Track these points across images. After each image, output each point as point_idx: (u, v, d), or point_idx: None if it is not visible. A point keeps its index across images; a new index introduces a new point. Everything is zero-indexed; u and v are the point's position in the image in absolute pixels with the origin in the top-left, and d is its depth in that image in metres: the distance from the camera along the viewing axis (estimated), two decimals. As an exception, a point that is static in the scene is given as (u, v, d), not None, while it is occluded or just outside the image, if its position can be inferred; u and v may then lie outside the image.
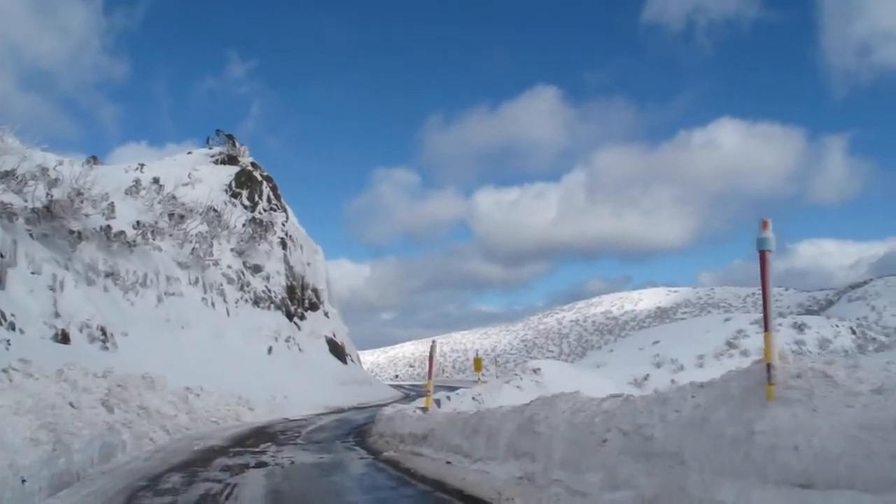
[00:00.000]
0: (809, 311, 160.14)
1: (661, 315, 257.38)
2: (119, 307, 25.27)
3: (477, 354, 35.54)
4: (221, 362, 26.55)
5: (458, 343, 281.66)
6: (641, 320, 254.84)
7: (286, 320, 33.77)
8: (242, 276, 33.31)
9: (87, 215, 26.72)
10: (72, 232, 24.63)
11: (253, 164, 42.94)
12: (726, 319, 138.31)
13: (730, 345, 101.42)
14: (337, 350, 36.86)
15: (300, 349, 33.28)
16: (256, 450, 13.40)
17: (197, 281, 30.57)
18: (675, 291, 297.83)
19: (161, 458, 11.88)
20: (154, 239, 29.29)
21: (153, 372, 18.24)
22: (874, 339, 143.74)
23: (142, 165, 39.68)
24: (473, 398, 27.97)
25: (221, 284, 31.87)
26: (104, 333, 22.49)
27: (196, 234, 32.26)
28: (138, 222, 28.99)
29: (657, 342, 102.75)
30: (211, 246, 32.69)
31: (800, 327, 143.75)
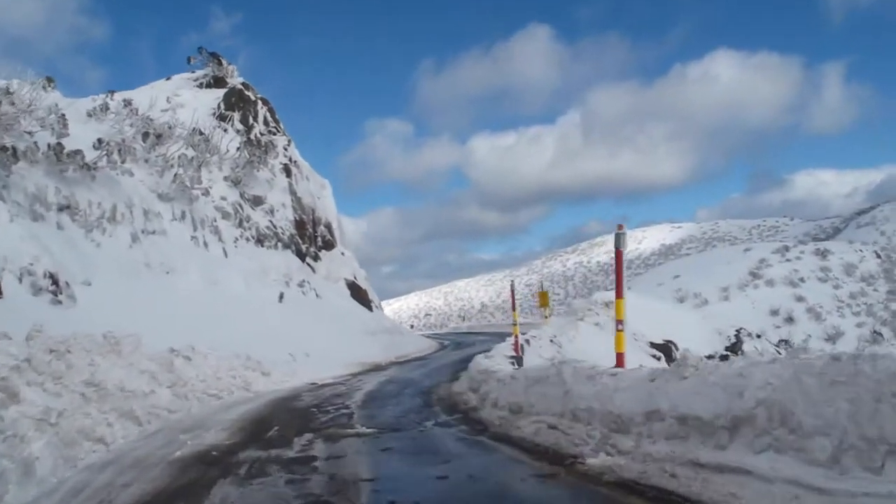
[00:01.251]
0: (817, 240, 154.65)
1: (667, 252, 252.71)
2: (79, 249, 18.87)
3: (542, 286, 29.30)
4: (220, 314, 20.30)
5: (463, 291, 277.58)
6: (646, 258, 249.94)
7: (298, 261, 27.42)
8: (240, 210, 26.83)
9: (29, 133, 20.19)
10: (4, 149, 18.11)
11: (244, 85, 35.99)
12: (746, 249, 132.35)
13: (753, 275, 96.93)
14: (360, 295, 30.66)
15: (318, 295, 27.03)
16: (291, 453, 7.26)
17: (183, 216, 24.10)
18: (679, 227, 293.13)
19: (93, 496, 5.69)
20: (124, 162, 22.71)
21: (121, 330, 11.97)
22: None
23: (111, 92, 32.80)
24: (551, 341, 22.35)
25: (215, 220, 25.43)
26: (55, 283, 16.16)
27: (179, 158, 25.71)
28: (100, 140, 22.36)
29: (678, 276, 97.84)
30: (199, 173, 26.15)
31: (823, 254, 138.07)
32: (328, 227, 32.25)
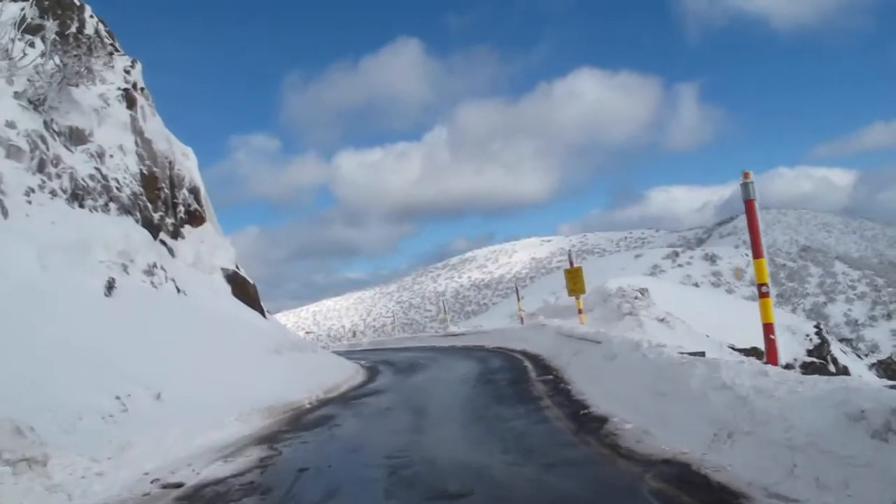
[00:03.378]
0: (676, 252, 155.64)
1: (538, 266, 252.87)
2: None
3: (571, 255, 19.69)
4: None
5: (332, 311, 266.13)
6: (518, 272, 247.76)
7: (146, 234, 16.27)
8: (42, 147, 15.50)
9: None
10: None
11: (64, -6, 24.27)
12: (637, 256, 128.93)
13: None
14: (247, 293, 19.67)
15: (179, 289, 16.09)
16: None
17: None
18: (549, 241, 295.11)
19: None
20: None
21: None
22: (784, 265, 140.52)
23: None
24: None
25: (-10, 156, 14.12)
26: None
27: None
28: None
29: None
30: (-40, 76, 14.73)
31: (712, 258, 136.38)
32: (195, 193, 21.18)
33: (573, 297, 17.05)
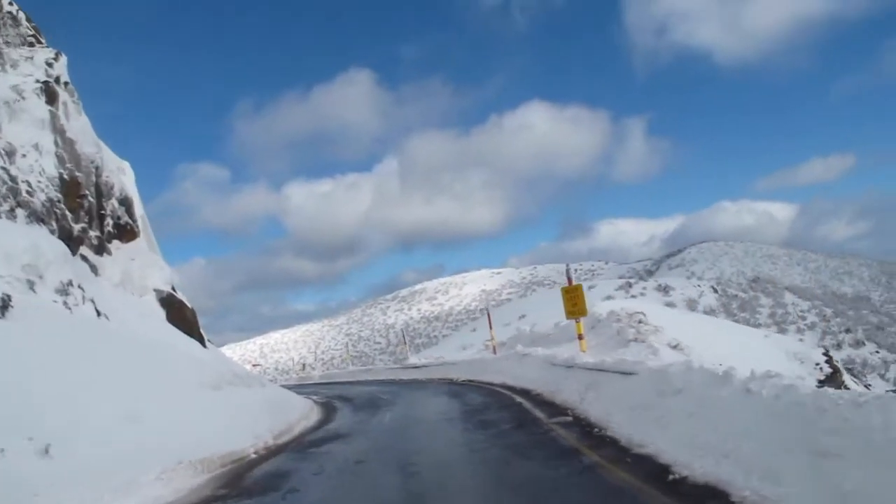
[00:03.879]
0: (629, 283, 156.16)
1: (488, 297, 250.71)
2: None
3: (569, 271, 17.18)
4: None
5: (279, 343, 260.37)
6: (468, 304, 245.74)
7: (61, 247, 13.49)
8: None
9: None
10: None
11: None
12: (590, 287, 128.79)
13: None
14: (184, 318, 16.89)
15: (100, 313, 13.41)
16: None
17: None
18: (499, 273, 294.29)
19: None
20: None
21: None
22: (735, 295, 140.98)
23: None
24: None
25: None
26: None
27: None
28: None
29: (523, 316, 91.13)
30: None
31: (665, 289, 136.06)
32: (126, 204, 18.44)
33: (572, 321, 14.75)
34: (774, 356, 22.38)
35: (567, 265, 13.73)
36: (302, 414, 14.83)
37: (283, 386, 29.35)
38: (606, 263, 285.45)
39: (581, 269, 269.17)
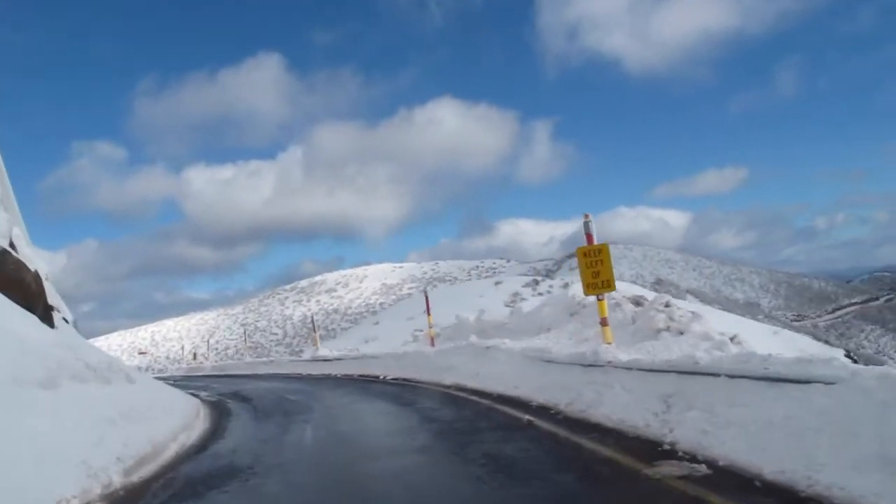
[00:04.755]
0: (536, 280, 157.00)
1: (388, 291, 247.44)
2: None
3: (590, 225, 13.03)
4: None
5: (172, 331, 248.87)
6: (368, 297, 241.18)
7: None
8: None
9: None
10: None
11: None
12: (497, 283, 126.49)
13: (510, 309, 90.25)
14: (21, 285, 12.12)
15: None
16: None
17: None
18: (400, 267, 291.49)
19: None
20: None
21: None
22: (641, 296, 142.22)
23: None
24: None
25: None
26: None
27: None
28: None
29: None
30: None
31: (569, 288, 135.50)
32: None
33: (591, 297, 10.72)
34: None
35: (586, 217, 9.71)
36: (182, 423, 10.40)
37: (170, 379, 24.39)
38: (508, 261, 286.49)
39: (483, 267, 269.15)
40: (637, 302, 12.37)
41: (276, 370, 26.75)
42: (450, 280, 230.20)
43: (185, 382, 27.20)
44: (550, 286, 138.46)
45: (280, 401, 13.94)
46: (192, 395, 16.44)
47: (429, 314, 18.20)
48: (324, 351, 26.20)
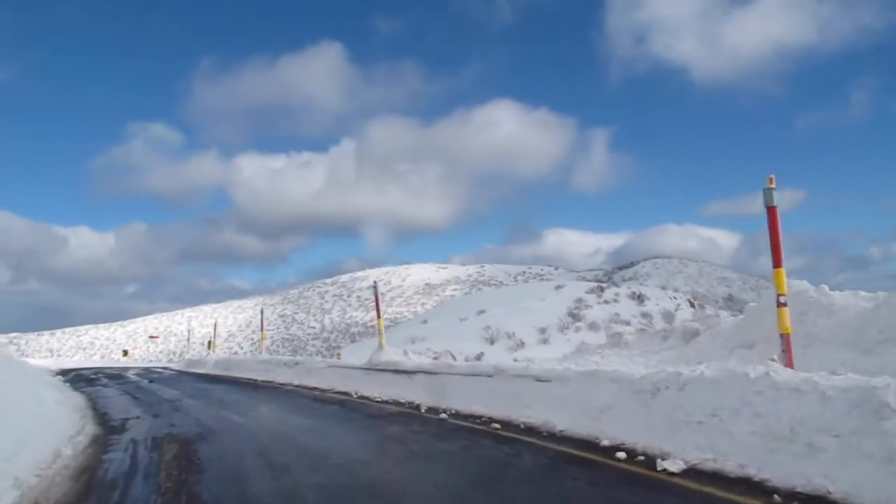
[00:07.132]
0: (601, 287, 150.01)
1: (430, 291, 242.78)
2: None
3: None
4: None
5: (209, 317, 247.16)
6: (409, 296, 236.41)
7: None
8: None
9: None
10: None
11: None
12: (558, 287, 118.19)
13: (573, 316, 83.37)
14: None
15: None
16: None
17: None
18: (445, 268, 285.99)
19: None
20: None
21: None
22: (713, 312, 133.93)
23: None
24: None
25: None
26: None
27: None
28: None
29: (483, 311, 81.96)
30: None
31: (639, 298, 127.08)
32: None
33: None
34: None
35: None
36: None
37: (153, 370, 17.98)
38: (556, 269, 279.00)
39: (530, 273, 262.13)
40: None
41: (305, 380, 18.46)
42: (495, 284, 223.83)
43: (165, 384, 20.90)
44: (616, 294, 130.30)
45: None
46: (107, 424, 10.04)
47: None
48: (392, 356, 15.75)
